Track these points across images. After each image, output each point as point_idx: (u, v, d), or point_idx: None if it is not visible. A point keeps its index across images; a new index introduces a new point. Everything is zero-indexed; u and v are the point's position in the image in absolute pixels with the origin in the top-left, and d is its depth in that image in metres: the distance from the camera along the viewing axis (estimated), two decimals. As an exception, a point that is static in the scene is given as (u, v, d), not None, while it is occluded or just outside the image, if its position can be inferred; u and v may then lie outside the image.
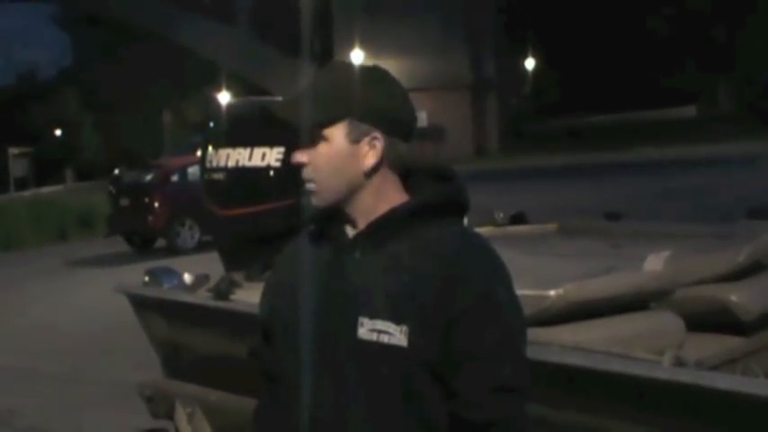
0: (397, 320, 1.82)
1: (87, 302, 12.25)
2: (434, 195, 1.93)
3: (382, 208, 1.90)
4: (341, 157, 1.88)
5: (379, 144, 1.89)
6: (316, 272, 1.93)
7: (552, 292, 3.24)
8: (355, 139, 1.88)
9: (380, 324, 1.83)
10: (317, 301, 1.91)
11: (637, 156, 33.50)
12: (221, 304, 4.23)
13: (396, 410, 1.85)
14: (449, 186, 1.97)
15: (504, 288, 1.94)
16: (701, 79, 50.90)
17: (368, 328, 1.84)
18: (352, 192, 1.89)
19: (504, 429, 1.86)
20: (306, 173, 1.91)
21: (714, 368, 3.25)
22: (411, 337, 1.81)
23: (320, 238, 1.96)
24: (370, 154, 1.89)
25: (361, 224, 1.91)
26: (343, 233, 1.93)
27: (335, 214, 1.93)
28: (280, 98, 5.11)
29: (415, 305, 1.82)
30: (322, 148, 1.89)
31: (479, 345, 1.84)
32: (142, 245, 18.71)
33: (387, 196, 1.91)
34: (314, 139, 1.90)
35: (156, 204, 17.88)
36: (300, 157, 1.91)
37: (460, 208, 1.98)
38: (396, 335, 1.82)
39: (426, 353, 1.82)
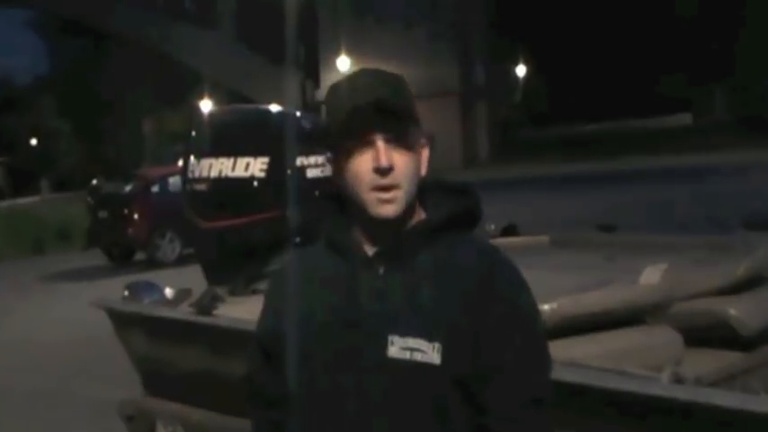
0: (430, 338, 1.82)
1: (65, 317, 12.19)
2: (457, 208, 1.94)
3: (410, 220, 1.90)
4: (417, 162, 1.89)
5: (426, 152, 1.94)
6: (334, 288, 1.90)
7: (546, 307, 3.23)
8: (420, 145, 1.91)
9: (412, 342, 1.83)
10: (338, 319, 1.87)
11: (630, 165, 33.60)
12: (204, 319, 4.20)
13: (423, 429, 1.85)
14: (466, 199, 1.98)
15: (527, 296, 1.95)
16: (697, 87, 51.17)
17: (399, 347, 1.83)
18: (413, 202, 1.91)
19: None
20: (392, 178, 1.84)
21: (713, 385, 3.25)
22: (444, 354, 1.82)
23: (331, 251, 1.93)
24: (425, 161, 1.93)
25: (375, 240, 1.90)
26: (360, 247, 1.90)
27: (349, 225, 1.93)
28: (267, 106, 5.10)
29: (446, 321, 1.83)
30: (405, 151, 1.87)
31: (511, 357, 1.86)
32: (121, 258, 18.65)
33: (415, 208, 1.92)
34: (400, 141, 1.86)
35: (136, 216, 17.83)
36: (389, 160, 1.84)
37: (474, 220, 1.99)
38: (428, 352, 1.82)
39: (459, 369, 1.83)
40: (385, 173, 1.83)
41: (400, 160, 1.84)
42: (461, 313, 1.84)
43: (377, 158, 1.83)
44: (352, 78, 1.92)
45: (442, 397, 1.84)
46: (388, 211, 1.84)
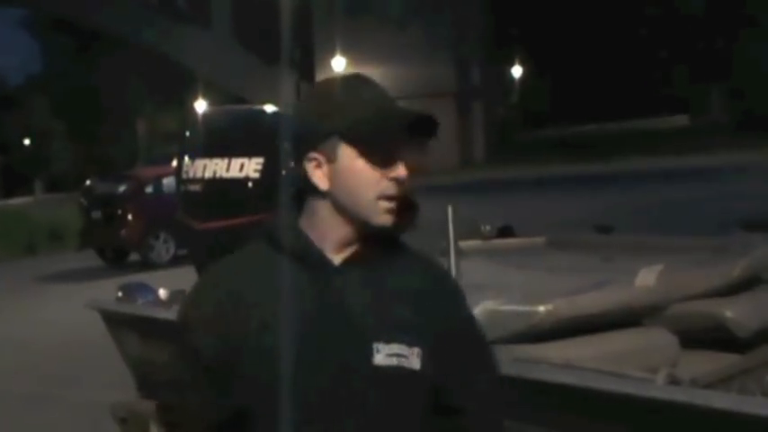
0: (409, 343, 1.86)
1: (58, 319, 12.18)
2: (408, 219, 1.98)
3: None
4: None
5: None
6: (304, 300, 1.85)
7: (542, 308, 3.23)
8: None
9: (396, 348, 1.85)
10: (317, 331, 1.84)
11: (627, 166, 33.64)
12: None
13: None
14: (415, 208, 2.06)
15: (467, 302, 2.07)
16: (694, 88, 51.23)
17: (385, 354, 1.84)
18: None
19: None
20: (402, 189, 1.88)
21: (709, 386, 3.25)
22: (423, 359, 1.86)
23: (288, 260, 1.88)
24: None
25: (343, 248, 1.89)
26: (325, 256, 1.88)
27: (308, 236, 1.89)
28: (261, 107, 5.10)
29: (421, 326, 1.88)
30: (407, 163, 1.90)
31: (478, 358, 1.97)
32: (115, 259, 18.64)
33: None
34: (409, 153, 1.89)
35: (130, 216, 17.82)
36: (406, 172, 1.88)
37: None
38: (410, 358, 1.85)
39: (437, 372, 1.88)
40: (402, 184, 1.86)
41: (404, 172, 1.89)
42: (435, 317, 1.91)
43: (399, 169, 1.85)
44: (363, 82, 1.91)
45: (423, 401, 1.89)
46: (390, 220, 1.86)
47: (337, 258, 1.88)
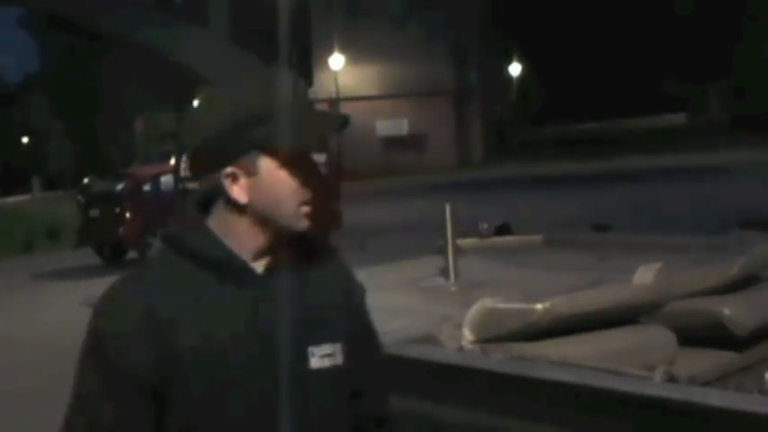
0: (333, 341, 1.92)
1: (56, 317, 12.17)
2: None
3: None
4: None
5: None
6: (233, 311, 1.83)
7: (539, 306, 3.23)
8: None
9: (326, 348, 1.91)
10: (252, 342, 1.83)
11: (625, 165, 33.66)
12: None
13: (342, 427, 1.97)
14: None
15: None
16: (693, 87, 51.26)
17: (318, 356, 1.89)
18: None
19: (394, 420, 2.13)
20: (310, 195, 1.88)
21: (707, 384, 3.26)
22: (344, 353, 1.94)
23: (207, 270, 1.84)
24: None
25: (260, 256, 1.88)
26: (249, 266, 1.87)
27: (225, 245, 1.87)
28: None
29: (340, 323, 1.96)
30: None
31: (377, 346, 2.12)
32: (113, 257, 18.62)
33: None
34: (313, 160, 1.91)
35: (128, 215, 17.81)
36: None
37: None
38: (336, 355, 1.92)
39: (354, 364, 1.97)
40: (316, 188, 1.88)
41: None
42: (348, 312, 2.00)
43: (315, 174, 1.87)
44: (263, 87, 1.87)
45: (347, 392, 1.97)
46: (307, 223, 1.88)
47: (258, 267, 1.87)
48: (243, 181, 1.81)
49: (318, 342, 1.89)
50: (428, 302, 4.27)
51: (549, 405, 2.95)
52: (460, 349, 3.42)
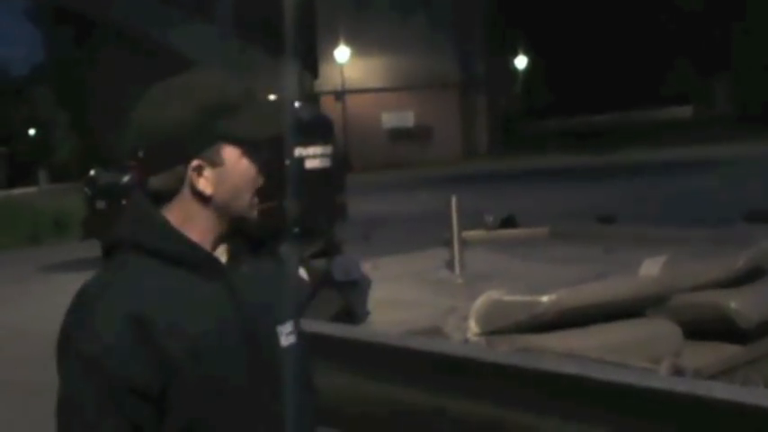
0: (289, 319, 2.00)
1: (62, 308, 12.16)
2: None
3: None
4: None
5: None
6: (211, 302, 1.86)
7: (545, 299, 3.23)
8: None
9: (288, 326, 1.99)
10: (234, 330, 1.87)
11: (629, 158, 33.62)
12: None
13: (307, 400, 2.07)
14: None
15: None
16: (697, 79, 51.15)
17: (285, 334, 1.97)
18: None
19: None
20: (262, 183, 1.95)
21: (712, 377, 3.25)
22: (296, 329, 2.02)
23: (172, 264, 1.84)
24: None
25: (215, 246, 1.91)
26: (215, 258, 1.90)
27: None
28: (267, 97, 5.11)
29: (287, 303, 2.03)
30: None
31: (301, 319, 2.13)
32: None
33: None
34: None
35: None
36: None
37: None
38: (294, 332, 2.00)
39: (302, 342, 2.04)
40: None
41: None
42: (292, 293, 2.10)
43: (265, 163, 1.91)
44: (221, 82, 1.90)
45: (300, 365, 2.03)
46: (255, 213, 1.93)
47: (220, 257, 1.92)
48: (207, 172, 1.83)
49: (282, 322, 1.97)
50: (434, 294, 4.28)
51: (554, 397, 2.95)
52: (466, 341, 3.43)
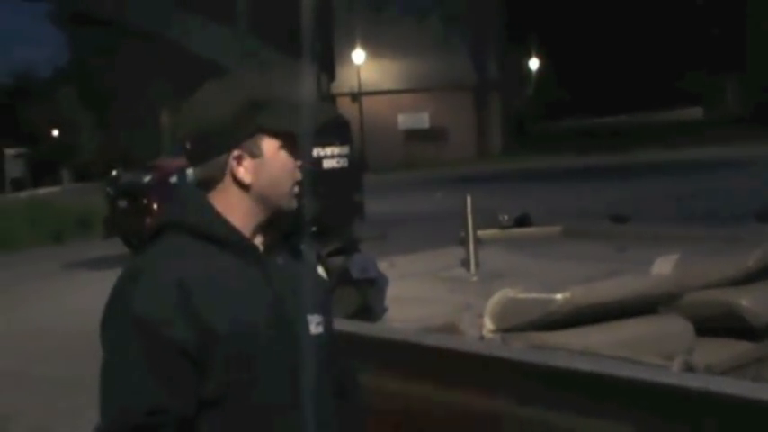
0: (319, 312, 2.09)
1: (85, 305, 12.20)
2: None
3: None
4: None
5: None
6: (253, 286, 1.97)
7: (559, 296, 3.24)
8: None
9: (317, 317, 2.07)
10: (272, 312, 1.97)
11: (642, 158, 33.51)
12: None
13: (329, 385, 2.10)
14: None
15: None
16: (709, 81, 50.96)
17: (315, 323, 2.05)
18: None
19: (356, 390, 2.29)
20: (302, 176, 2.04)
21: (724, 374, 3.25)
22: (325, 323, 2.10)
23: (218, 248, 1.96)
24: None
25: (255, 235, 2.01)
26: (254, 245, 2.01)
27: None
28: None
29: (319, 295, 2.12)
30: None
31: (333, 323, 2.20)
32: (140, 246, 18.65)
33: None
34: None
35: (155, 206, 17.84)
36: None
37: None
38: (321, 323, 2.08)
39: (329, 334, 2.12)
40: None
41: None
42: (319, 290, 2.15)
43: (304, 156, 2.00)
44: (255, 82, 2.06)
45: (328, 356, 2.10)
46: (296, 204, 2.02)
47: (259, 244, 2.02)
48: (247, 162, 1.96)
49: (312, 312, 2.05)
50: (449, 292, 4.29)
51: (568, 393, 2.95)
52: (481, 338, 3.43)
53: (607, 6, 50.52)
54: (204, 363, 1.87)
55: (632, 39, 50.76)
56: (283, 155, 1.98)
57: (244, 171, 1.96)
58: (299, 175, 2.01)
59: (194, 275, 1.89)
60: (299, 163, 2.00)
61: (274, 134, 1.97)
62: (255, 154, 1.96)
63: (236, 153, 1.95)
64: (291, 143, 1.98)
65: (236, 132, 1.94)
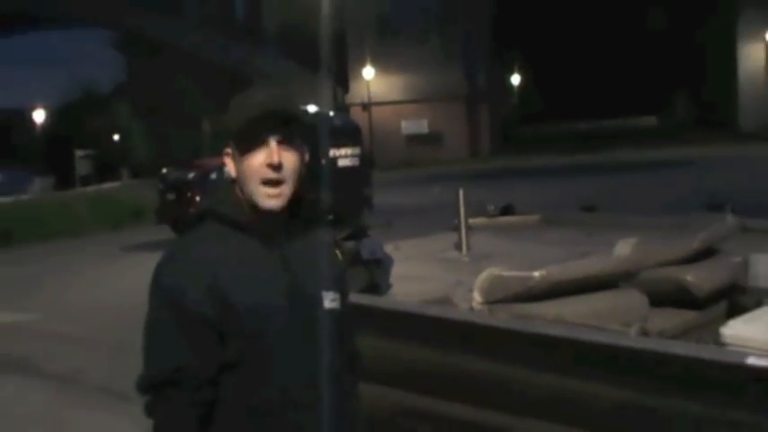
0: (334, 290, 2.00)
1: (139, 282, 12.24)
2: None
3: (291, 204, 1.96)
4: (301, 161, 1.95)
5: (306, 154, 2.00)
6: (267, 263, 1.91)
7: (536, 274, 3.24)
8: (302, 144, 1.97)
9: (332, 294, 1.98)
10: (287, 288, 1.90)
11: (608, 158, 33.42)
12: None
13: (341, 357, 2.00)
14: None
15: None
16: (663, 92, 50.91)
17: (329, 299, 1.97)
18: None
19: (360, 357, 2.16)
20: (282, 175, 1.89)
21: (673, 337, 3.26)
22: (340, 300, 2.01)
23: (237, 232, 1.92)
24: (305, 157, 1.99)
25: (270, 219, 1.93)
26: (272, 229, 1.93)
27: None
28: (305, 107, 5.11)
29: (332, 276, 2.01)
30: (293, 151, 1.92)
31: (347, 297, 2.09)
32: (185, 231, 18.66)
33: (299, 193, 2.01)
34: (290, 141, 1.91)
35: (198, 198, 17.85)
36: (279, 158, 1.89)
37: None
38: (337, 300, 1.99)
39: (342, 309, 2.02)
40: (276, 168, 1.88)
41: (288, 159, 1.90)
42: (337, 267, 2.07)
43: (272, 156, 1.88)
44: (250, 92, 1.96)
45: (341, 332, 2.01)
46: (276, 204, 1.90)
47: (275, 230, 1.95)
48: (229, 159, 1.94)
49: (327, 289, 1.97)
50: (444, 271, 4.29)
51: (545, 356, 2.96)
52: (471, 309, 3.44)
53: (580, 30, 50.39)
54: (225, 334, 1.84)
55: (599, 58, 50.71)
56: (246, 156, 1.89)
57: (231, 167, 1.94)
58: (265, 173, 1.87)
59: (220, 257, 1.87)
60: (266, 162, 1.87)
61: (234, 138, 1.91)
62: (231, 153, 1.93)
63: (227, 150, 1.94)
64: (245, 145, 1.89)
65: (226, 136, 1.95)
